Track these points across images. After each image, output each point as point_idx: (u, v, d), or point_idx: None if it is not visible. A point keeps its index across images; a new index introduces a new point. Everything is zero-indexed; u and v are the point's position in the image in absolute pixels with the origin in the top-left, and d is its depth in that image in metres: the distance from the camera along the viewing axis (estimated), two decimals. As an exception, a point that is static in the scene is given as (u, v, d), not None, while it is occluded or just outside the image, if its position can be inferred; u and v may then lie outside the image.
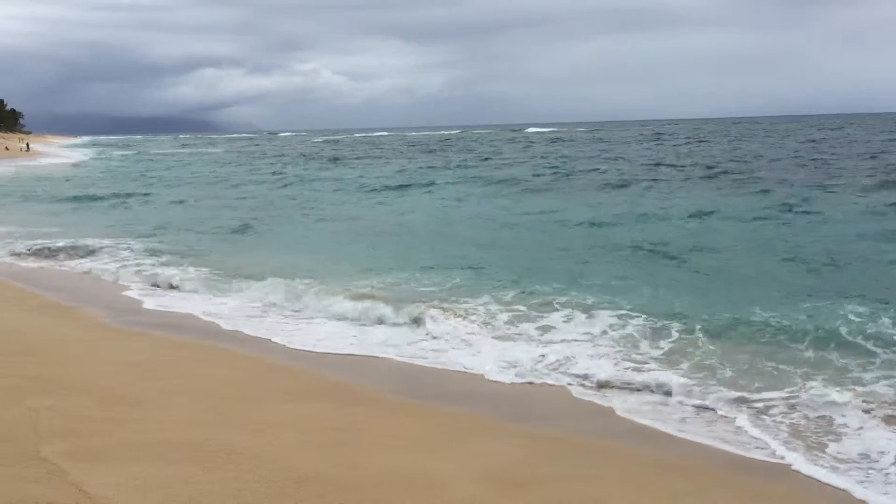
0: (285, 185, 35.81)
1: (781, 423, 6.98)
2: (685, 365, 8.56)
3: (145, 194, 32.66)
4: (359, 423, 6.75)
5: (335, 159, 57.18)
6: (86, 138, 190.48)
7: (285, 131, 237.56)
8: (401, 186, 32.48)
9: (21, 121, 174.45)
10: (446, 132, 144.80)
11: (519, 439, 6.51)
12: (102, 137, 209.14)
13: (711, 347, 9.07)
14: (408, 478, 5.37)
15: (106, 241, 18.12)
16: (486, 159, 49.64)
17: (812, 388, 7.63)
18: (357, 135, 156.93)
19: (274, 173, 44.25)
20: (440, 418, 7.07)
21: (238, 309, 11.66)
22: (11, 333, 9.16)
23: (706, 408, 7.40)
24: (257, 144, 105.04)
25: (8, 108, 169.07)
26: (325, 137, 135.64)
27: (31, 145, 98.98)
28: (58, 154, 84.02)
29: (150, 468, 5.00)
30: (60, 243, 17.64)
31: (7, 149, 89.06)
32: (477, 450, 6.16)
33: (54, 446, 5.14)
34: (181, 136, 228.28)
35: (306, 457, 5.60)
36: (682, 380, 8.00)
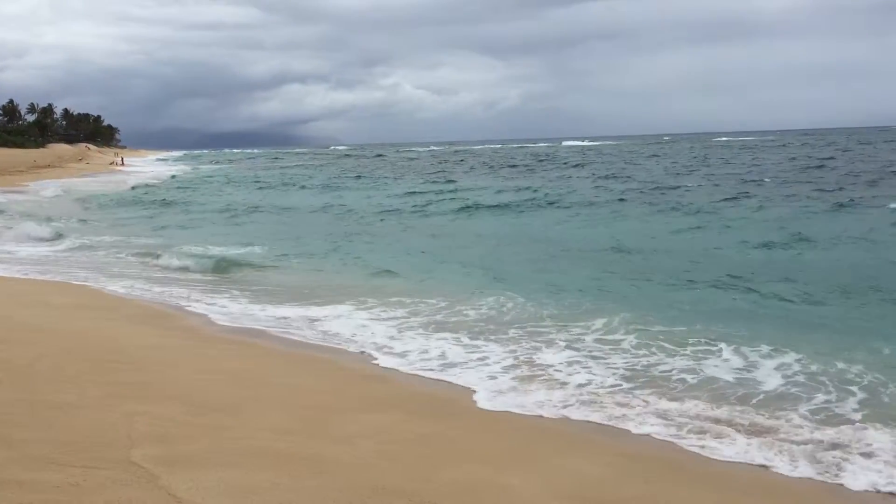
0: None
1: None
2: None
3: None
4: (440, 434, 6.73)
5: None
6: (175, 153, 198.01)
7: (367, 145, 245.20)
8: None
9: (117, 136, 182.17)
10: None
11: (607, 457, 6.37)
12: (195, 151, 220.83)
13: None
14: (485, 492, 5.32)
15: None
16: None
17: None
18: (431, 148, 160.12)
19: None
20: (523, 433, 7.00)
21: (320, 315, 11.88)
22: (109, 341, 9.47)
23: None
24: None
25: (105, 124, 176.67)
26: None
27: (124, 159, 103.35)
28: (139, 170, 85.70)
29: (238, 474, 5.09)
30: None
31: (111, 163, 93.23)
32: (561, 466, 6.05)
33: (145, 451, 5.27)
34: (252, 150, 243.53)
35: (385, 467, 5.62)
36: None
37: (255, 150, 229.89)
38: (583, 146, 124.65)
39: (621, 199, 30.25)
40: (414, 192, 39.16)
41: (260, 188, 49.20)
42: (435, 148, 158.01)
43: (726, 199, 28.33)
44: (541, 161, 71.36)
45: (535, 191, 36.13)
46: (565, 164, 64.62)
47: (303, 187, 48.34)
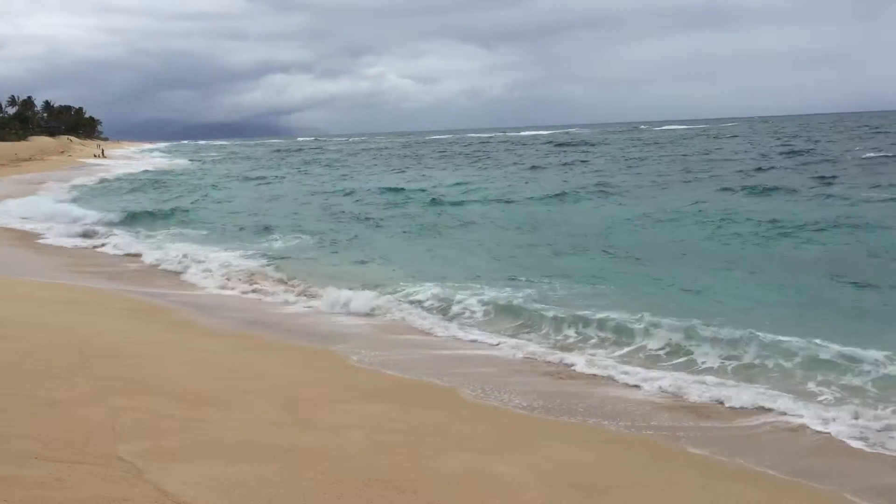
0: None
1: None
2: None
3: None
4: (429, 424, 6.75)
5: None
6: (159, 144, 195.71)
7: (352, 135, 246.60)
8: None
9: (98, 128, 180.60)
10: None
11: (593, 443, 6.42)
12: (162, 144, 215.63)
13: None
14: (474, 480, 5.33)
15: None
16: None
17: None
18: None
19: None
20: (511, 420, 7.00)
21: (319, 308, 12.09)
22: (96, 336, 9.37)
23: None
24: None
25: (86, 115, 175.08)
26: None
27: (105, 151, 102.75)
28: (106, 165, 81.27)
29: (227, 468, 5.04)
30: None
31: (95, 155, 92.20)
32: (548, 453, 6.08)
33: (131, 445, 5.21)
34: (223, 142, 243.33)
35: (376, 458, 5.60)
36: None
37: (224, 142, 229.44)
38: (537, 135, 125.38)
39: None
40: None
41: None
42: (402, 140, 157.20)
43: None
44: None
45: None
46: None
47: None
